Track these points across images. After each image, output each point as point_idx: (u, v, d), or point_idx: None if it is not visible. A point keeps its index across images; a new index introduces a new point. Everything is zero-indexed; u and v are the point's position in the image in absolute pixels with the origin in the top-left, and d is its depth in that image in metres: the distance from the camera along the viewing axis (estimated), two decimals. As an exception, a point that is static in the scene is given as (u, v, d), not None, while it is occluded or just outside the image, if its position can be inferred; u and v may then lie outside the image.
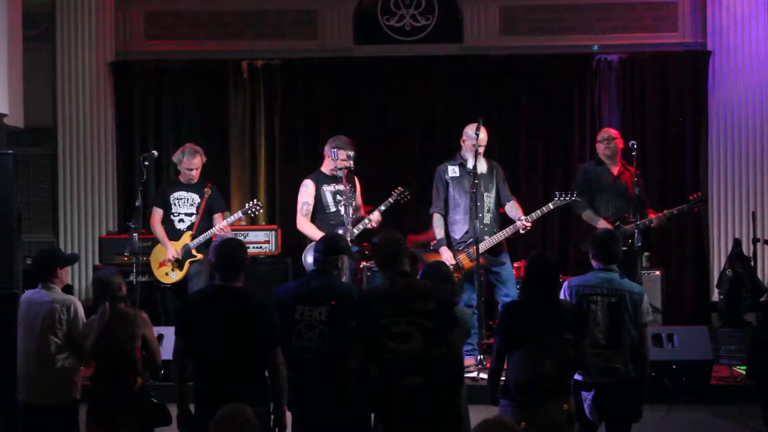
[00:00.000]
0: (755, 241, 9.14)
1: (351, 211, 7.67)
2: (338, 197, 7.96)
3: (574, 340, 5.00)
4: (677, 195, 9.92)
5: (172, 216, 8.20)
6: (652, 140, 10.09)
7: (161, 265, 8.14)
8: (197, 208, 8.16)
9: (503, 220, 8.15)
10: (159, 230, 8.14)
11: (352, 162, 7.83)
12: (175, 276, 8.09)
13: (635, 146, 8.01)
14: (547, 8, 10.34)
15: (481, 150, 7.87)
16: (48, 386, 5.68)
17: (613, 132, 8.59)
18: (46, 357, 5.68)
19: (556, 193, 7.98)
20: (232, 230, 8.31)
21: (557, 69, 10.26)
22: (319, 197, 8.06)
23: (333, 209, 8.01)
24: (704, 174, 10.09)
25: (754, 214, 9.52)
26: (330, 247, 5.34)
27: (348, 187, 7.75)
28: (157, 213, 8.23)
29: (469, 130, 7.96)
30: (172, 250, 8.04)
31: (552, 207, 7.92)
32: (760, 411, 5.54)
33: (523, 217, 7.82)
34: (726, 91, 10.01)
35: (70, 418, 5.76)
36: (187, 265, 8.06)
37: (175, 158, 8.37)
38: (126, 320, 5.54)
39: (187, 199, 8.21)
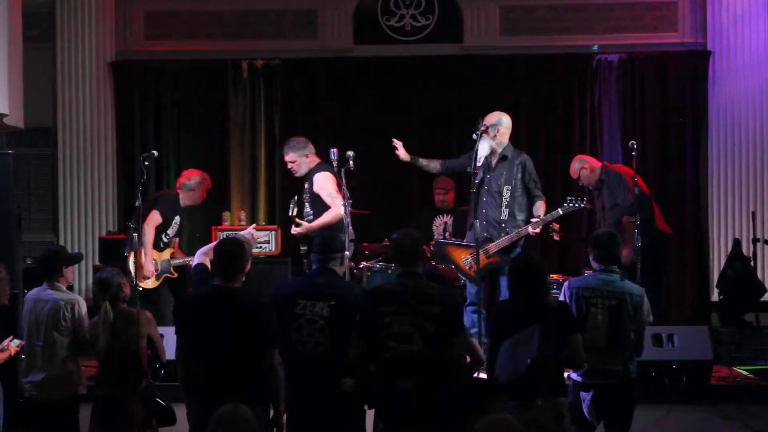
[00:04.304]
0: (755, 241, 9.15)
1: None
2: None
3: (563, 336, 4.99)
4: (677, 195, 9.95)
5: (165, 230, 8.15)
6: (652, 140, 10.08)
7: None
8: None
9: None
10: (149, 236, 7.97)
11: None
12: (150, 283, 8.03)
13: (635, 146, 7.98)
14: (547, 8, 10.33)
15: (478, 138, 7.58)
16: (52, 382, 5.72)
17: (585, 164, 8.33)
18: (51, 354, 5.73)
19: (568, 198, 7.76)
20: (234, 231, 8.26)
21: (557, 69, 10.25)
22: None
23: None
24: (704, 174, 10.08)
25: (754, 214, 9.53)
26: (328, 248, 5.34)
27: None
28: (156, 218, 8.07)
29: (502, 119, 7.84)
30: (151, 265, 7.96)
31: (561, 213, 7.66)
32: None
33: (533, 220, 7.60)
34: (726, 91, 10.00)
35: (71, 414, 5.79)
36: (162, 278, 8.05)
37: (191, 181, 8.30)
38: (131, 320, 5.55)
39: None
